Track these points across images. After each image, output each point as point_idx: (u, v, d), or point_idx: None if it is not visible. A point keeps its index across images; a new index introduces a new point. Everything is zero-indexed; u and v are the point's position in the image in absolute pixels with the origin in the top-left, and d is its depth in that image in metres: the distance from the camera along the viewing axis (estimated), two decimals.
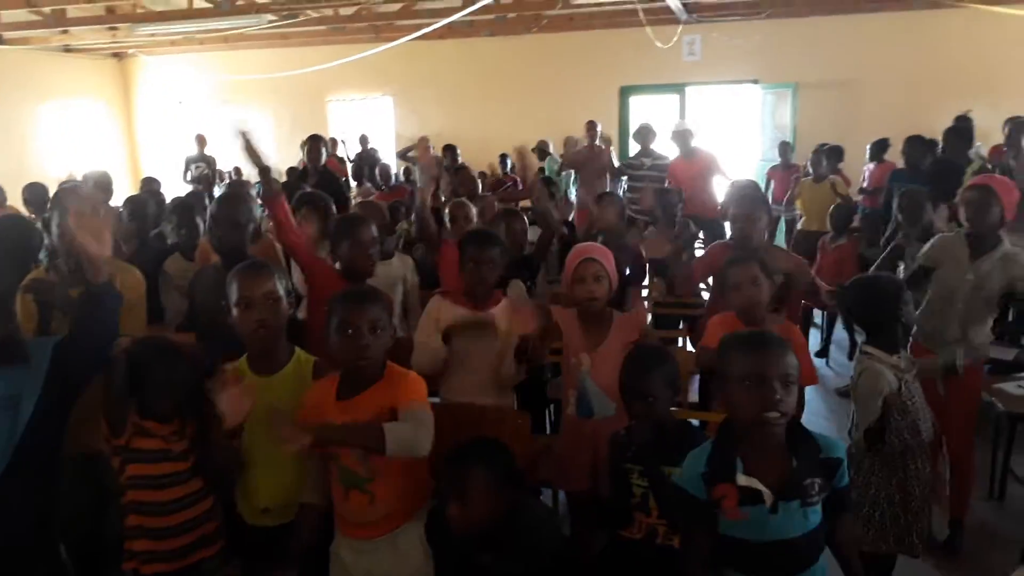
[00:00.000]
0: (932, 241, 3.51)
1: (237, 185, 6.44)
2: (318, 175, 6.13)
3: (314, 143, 6.20)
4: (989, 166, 5.41)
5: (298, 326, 2.65)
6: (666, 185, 6.55)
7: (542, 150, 9.37)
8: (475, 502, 2.07)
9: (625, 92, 11.20)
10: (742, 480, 1.78)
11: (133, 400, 2.22)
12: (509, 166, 9.74)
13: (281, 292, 2.28)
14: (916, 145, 5.67)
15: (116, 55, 13.01)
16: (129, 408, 2.22)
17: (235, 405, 2.06)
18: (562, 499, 3.22)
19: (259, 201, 3.61)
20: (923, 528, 2.62)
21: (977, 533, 3.43)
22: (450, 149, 8.81)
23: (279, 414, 1.99)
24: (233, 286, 2.25)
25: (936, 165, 5.04)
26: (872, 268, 4.12)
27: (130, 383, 2.20)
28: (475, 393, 2.78)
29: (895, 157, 6.86)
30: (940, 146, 6.13)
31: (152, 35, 10.09)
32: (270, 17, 8.55)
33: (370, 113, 12.40)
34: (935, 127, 6.73)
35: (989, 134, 7.16)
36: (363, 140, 10.40)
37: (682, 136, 7.06)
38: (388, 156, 10.65)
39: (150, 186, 7.04)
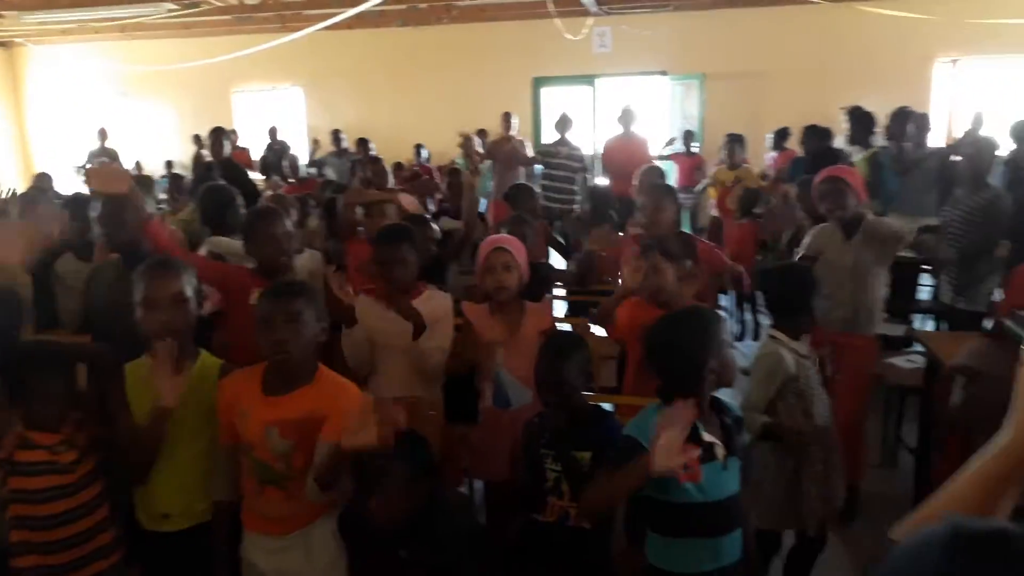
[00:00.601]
0: (812, 231, 3.72)
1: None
2: (224, 168, 5.98)
3: (216, 136, 6.05)
4: (878, 150, 5.72)
5: (206, 325, 2.58)
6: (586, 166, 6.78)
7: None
8: (395, 495, 2.07)
9: (538, 83, 11.29)
10: (707, 437, 1.94)
11: (16, 411, 2.10)
12: (424, 157, 9.68)
13: (189, 293, 2.21)
14: (812, 134, 5.94)
15: (2, 44, 12.28)
16: (9, 419, 2.10)
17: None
18: (478, 487, 3.25)
19: (162, 196, 3.48)
20: (816, 507, 2.71)
21: (872, 499, 3.64)
22: (363, 143, 8.72)
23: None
24: (139, 286, 2.17)
25: (816, 153, 5.31)
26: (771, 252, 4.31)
27: (12, 392, 2.08)
28: (401, 388, 2.77)
29: (797, 146, 7.17)
30: (846, 133, 6.41)
31: (41, 23, 9.56)
32: (170, 6, 8.24)
33: (279, 105, 12.10)
34: (834, 116, 7.06)
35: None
36: (272, 132, 10.16)
37: (627, 116, 7.43)
38: (298, 148, 10.42)
39: (42, 183, 6.70)
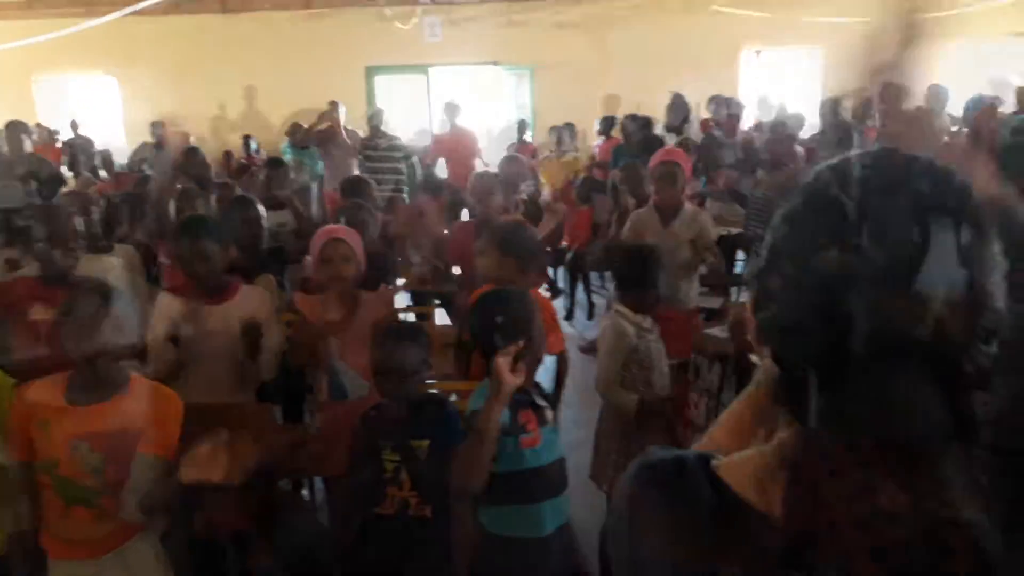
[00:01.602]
0: (631, 218, 3.95)
1: None
2: (26, 165, 5.49)
3: (12, 131, 5.53)
4: (690, 138, 6.13)
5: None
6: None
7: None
8: (225, 506, 1.99)
9: (371, 72, 11.11)
10: (541, 402, 2.18)
11: None
12: (254, 148, 9.29)
13: None
14: (632, 122, 6.26)
15: None
16: None
17: None
18: (319, 485, 3.19)
19: None
20: None
21: None
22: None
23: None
24: None
25: (642, 140, 5.62)
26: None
27: None
28: (208, 393, 2.58)
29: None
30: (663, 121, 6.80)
31: None
32: None
33: (90, 94, 11.17)
34: (657, 104, 7.49)
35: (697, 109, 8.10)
36: (73, 125, 9.33)
37: (451, 111, 7.52)
38: (115, 141, 9.70)
39: None
